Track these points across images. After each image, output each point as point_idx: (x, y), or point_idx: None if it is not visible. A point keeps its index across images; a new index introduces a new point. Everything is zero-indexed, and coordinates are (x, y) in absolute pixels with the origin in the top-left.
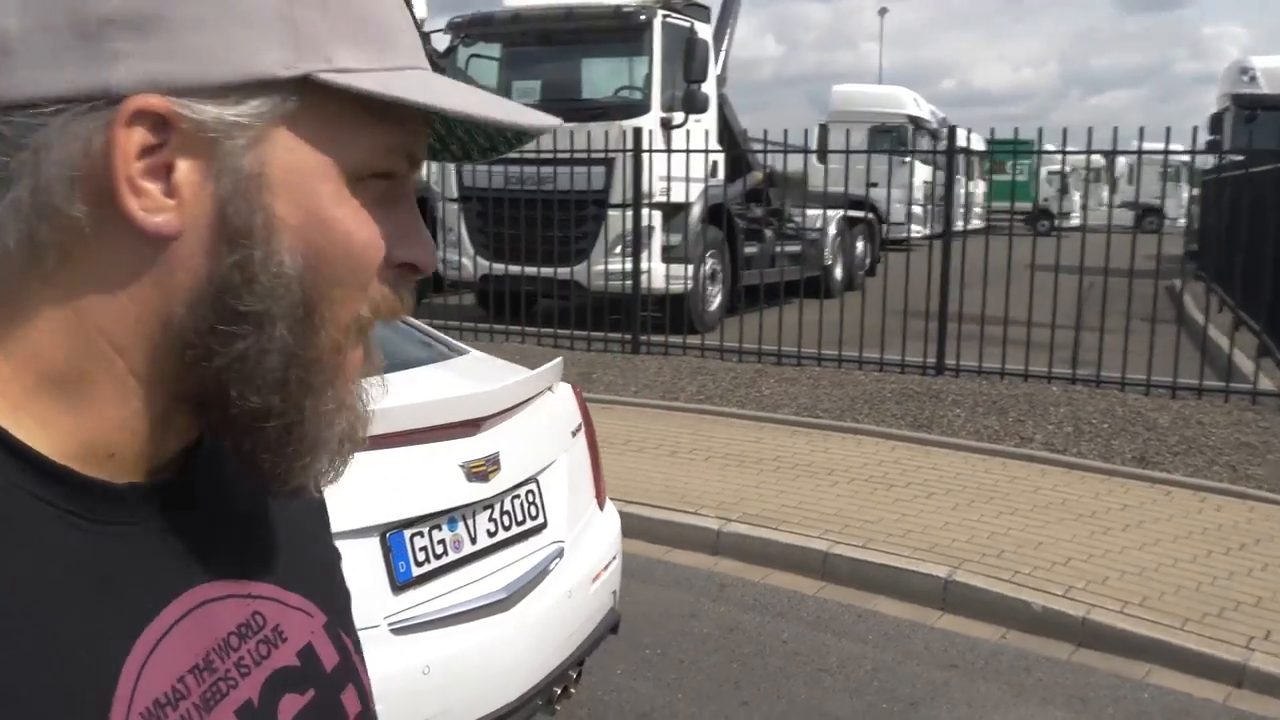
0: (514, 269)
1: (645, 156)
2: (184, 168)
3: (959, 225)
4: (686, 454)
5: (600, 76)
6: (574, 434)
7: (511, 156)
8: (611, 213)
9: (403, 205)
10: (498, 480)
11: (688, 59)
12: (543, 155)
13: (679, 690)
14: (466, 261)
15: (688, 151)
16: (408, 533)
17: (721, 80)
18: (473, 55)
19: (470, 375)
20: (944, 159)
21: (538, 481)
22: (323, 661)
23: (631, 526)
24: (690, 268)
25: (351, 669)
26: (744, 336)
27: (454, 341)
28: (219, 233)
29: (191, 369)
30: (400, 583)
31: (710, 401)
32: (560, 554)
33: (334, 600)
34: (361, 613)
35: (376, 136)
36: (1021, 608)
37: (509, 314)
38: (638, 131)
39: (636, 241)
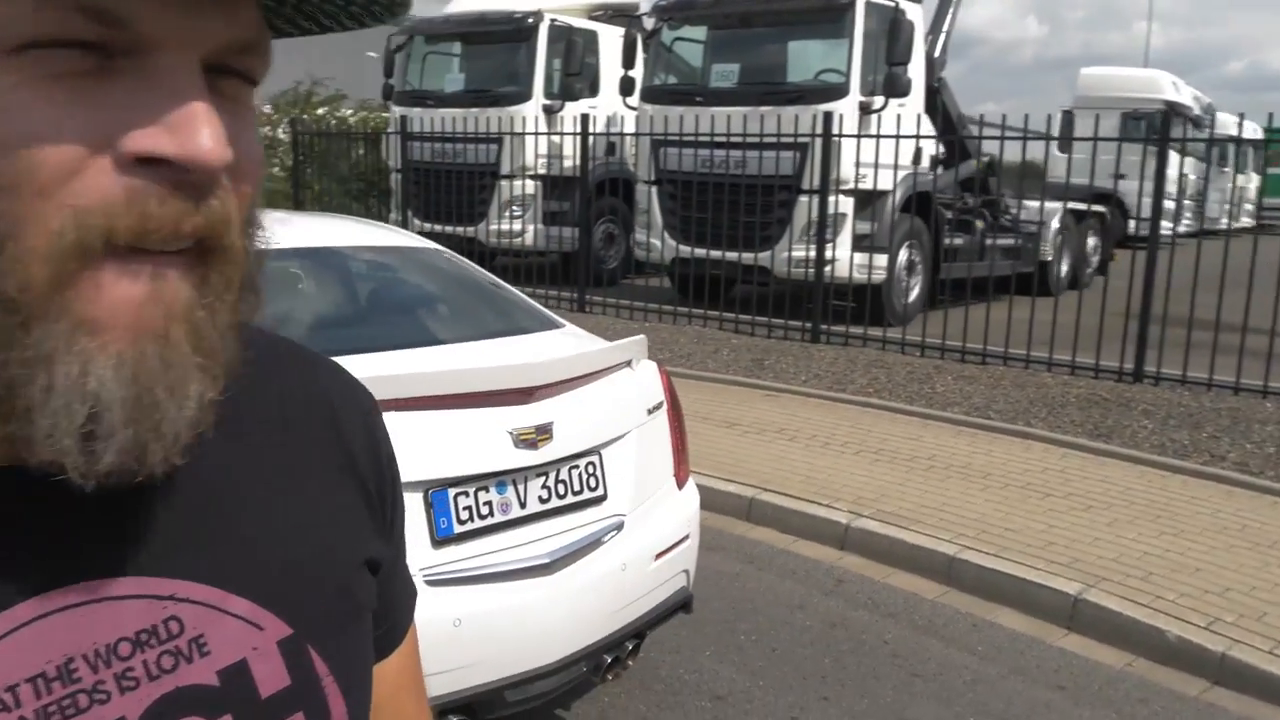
0: (705, 252)
1: (836, 142)
2: None
3: (1223, 223)
4: (839, 446)
5: (801, 59)
6: (651, 411)
7: (704, 140)
8: (801, 198)
9: (132, 82)
10: (548, 449)
11: (891, 41)
12: (733, 139)
13: (762, 678)
14: (657, 242)
15: (878, 136)
16: (452, 491)
17: (940, 64)
18: (677, 39)
19: (543, 347)
20: (1206, 149)
21: (600, 454)
22: (256, 683)
23: (764, 515)
24: (884, 258)
25: (309, 695)
26: (930, 331)
27: (550, 314)
28: None
29: None
30: (440, 538)
31: (879, 395)
32: (619, 527)
33: (316, 611)
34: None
35: None
36: (1154, 635)
37: (693, 296)
38: (827, 116)
39: (820, 228)
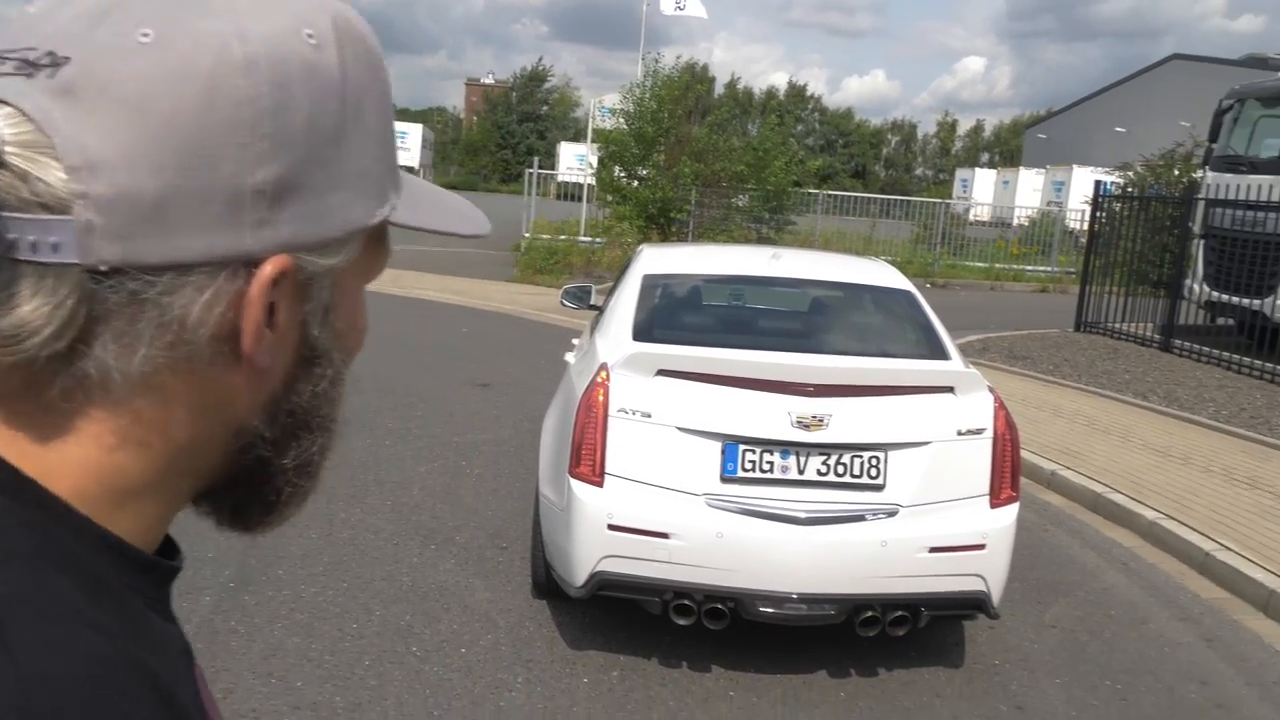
0: None
1: None
2: (283, 307)
3: None
4: None
5: None
6: (966, 433)
7: None
8: None
9: None
10: (822, 434)
11: None
12: None
13: (1085, 713)
14: None
15: None
16: (741, 447)
17: None
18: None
19: (893, 367)
20: None
21: (886, 452)
22: None
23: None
24: None
25: None
26: None
27: (948, 348)
28: (298, 353)
29: (243, 463)
30: (726, 476)
31: None
32: (892, 514)
33: None
34: (695, 485)
35: (385, 252)
36: None
37: None
38: None
39: None
